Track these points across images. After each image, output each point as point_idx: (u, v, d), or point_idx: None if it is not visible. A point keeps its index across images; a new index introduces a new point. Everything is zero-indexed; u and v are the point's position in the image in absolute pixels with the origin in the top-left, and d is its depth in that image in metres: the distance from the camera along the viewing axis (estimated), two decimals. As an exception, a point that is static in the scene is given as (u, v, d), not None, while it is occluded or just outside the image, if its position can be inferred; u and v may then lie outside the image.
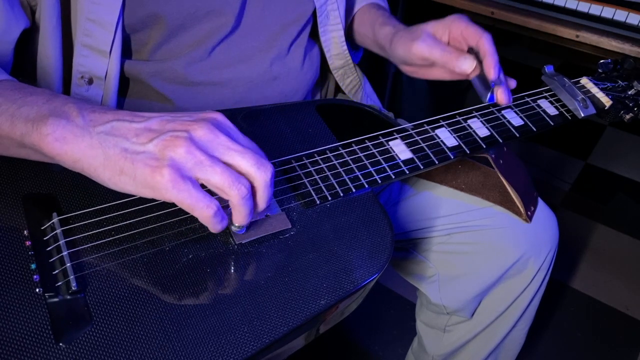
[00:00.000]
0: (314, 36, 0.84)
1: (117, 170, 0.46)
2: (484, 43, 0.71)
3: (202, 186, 0.48)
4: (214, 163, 0.47)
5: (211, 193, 0.48)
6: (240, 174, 0.48)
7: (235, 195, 0.47)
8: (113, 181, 0.47)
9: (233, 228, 0.53)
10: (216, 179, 0.47)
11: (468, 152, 0.70)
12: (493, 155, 0.73)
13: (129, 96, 0.72)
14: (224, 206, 0.49)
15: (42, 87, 0.64)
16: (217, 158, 0.47)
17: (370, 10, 0.89)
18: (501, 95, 0.72)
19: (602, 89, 0.83)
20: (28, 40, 0.64)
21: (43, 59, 0.63)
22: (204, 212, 0.47)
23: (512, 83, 0.77)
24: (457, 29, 0.73)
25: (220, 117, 0.50)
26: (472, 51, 0.74)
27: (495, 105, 0.75)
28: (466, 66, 0.71)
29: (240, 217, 0.50)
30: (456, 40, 0.75)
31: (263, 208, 0.51)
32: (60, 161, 0.47)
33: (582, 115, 0.78)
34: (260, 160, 0.49)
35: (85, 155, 0.46)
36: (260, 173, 0.48)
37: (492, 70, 0.71)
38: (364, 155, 0.65)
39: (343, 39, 0.84)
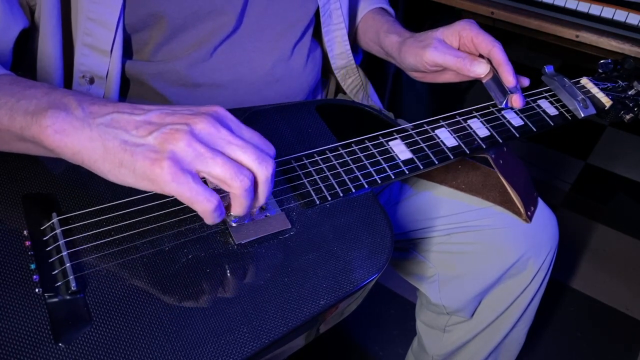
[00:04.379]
0: (317, 37, 0.84)
1: (116, 162, 0.46)
2: (497, 53, 0.71)
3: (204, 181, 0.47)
4: (215, 155, 0.46)
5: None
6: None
7: (238, 187, 0.47)
8: (113, 173, 0.46)
9: (228, 218, 0.53)
10: (218, 170, 0.46)
11: (468, 152, 0.70)
12: (493, 156, 0.73)
13: (130, 97, 0.72)
14: (222, 196, 0.49)
15: None
16: (218, 151, 0.47)
17: (374, 17, 0.89)
18: (516, 102, 0.73)
19: (602, 89, 0.83)
20: (28, 40, 0.64)
21: (43, 58, 0.63)
22: (204, 205, 0.46)
23: (525, 81, 0.77)
24: (467, 36, 0.73)
25: (221, 110, 0.49)
26: (483, 56, 0.74)
27: (495, 105, 0.75)
28: (481, 71, 0.72)
29: (239, 209, 0.49)
30: (466, 46, 0.74)
31: (262, 202, 0.51)
32: (60, 154, 0.47)
33: (582, 115, 0.78)
34: (261, 155, 0.48)
35: (85, 148, 0.46)
36: (261, 168, 0.48)
37: (510, 78, 0.71)
38: (363, 156, 0.65)
39: (346, 37, 0.84)
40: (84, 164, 0.47)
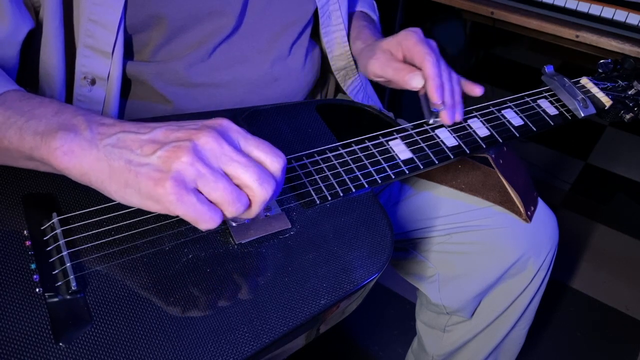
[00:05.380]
0: (315, 37, 0.84)
1: (122, 182, 0.46)
2: (426, 66, 0.68)
3: None
4: (216, 178, 0.46)
5: None
6: (241, 185, 0.48)
7: (231, 212, 0.47)
8: (119, 194, 0.47)
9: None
10: (217, 194, 0.46)
11: (468, 152, 0.70)
12: (493, 155, 0.73)
13: (131, 97, 0.72)
14: None
15: (45, 88, 0.64)
16: (220, 170, 0.47)
17: (352, 22, 0.88)
18: (444, 118, 0.70)
19: (602, 89, 0.83)
20: (30, 41, 0.63)
21: (45, 59, 0.63)
22: (208, 224, 0.46)
23: (478, 90, 0.74)
24: (406, 46, 0.71)
25: (225, 123, 0.49)
26: None
27: (495, 105, 0.75)
28: (414, 84, 0.69)
29: (227, 218, 0.50)
30: (408, 57, 0.72)
31: (251, 217, 0.51)
32: (68, 174, 0.47)
33: (582, 115, 0.78)
34: (263, 176, 0.48)
35: (92, 169, 0.46)
36: (261, 189, 0.48)
37: (433, 94, 0.67)
38: (363, 155, 0.65)
39: (345, 39, 0.84)
40: (91, 184, 0.47)
